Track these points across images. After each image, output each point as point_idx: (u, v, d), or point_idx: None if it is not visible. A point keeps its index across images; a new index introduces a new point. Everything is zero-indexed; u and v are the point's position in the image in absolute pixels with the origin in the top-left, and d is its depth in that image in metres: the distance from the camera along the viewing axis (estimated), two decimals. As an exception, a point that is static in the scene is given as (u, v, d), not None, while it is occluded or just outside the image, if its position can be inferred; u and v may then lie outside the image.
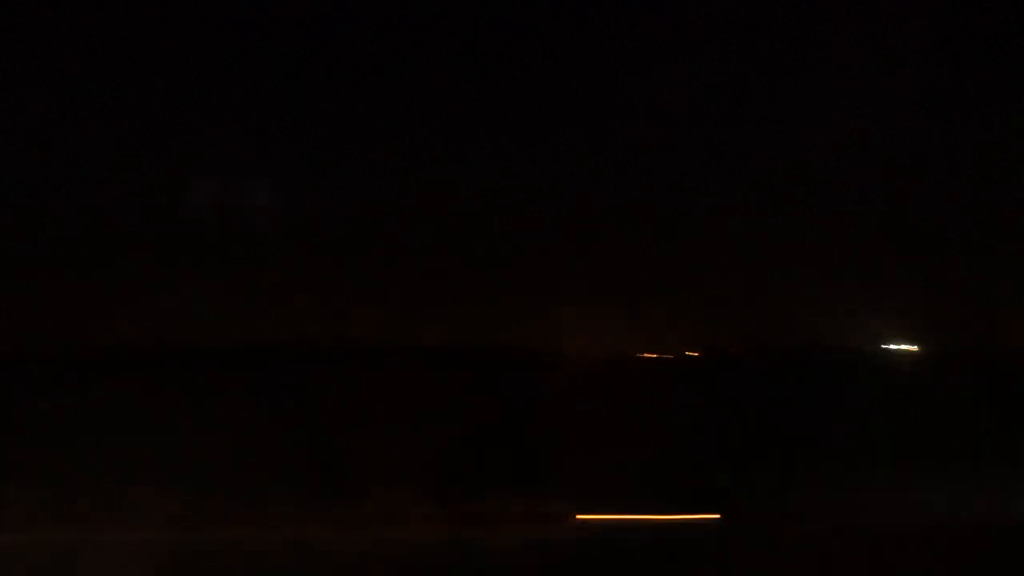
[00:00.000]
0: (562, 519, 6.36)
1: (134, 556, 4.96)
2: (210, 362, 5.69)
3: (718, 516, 6.82)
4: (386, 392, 6.57)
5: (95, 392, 5.57)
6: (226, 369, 5.64)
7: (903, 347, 7.75)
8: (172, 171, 4.53)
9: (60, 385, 5.58)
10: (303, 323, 5.14)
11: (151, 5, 4.23)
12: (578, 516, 6.49)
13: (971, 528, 6.59)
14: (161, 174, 4.53)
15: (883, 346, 7.61)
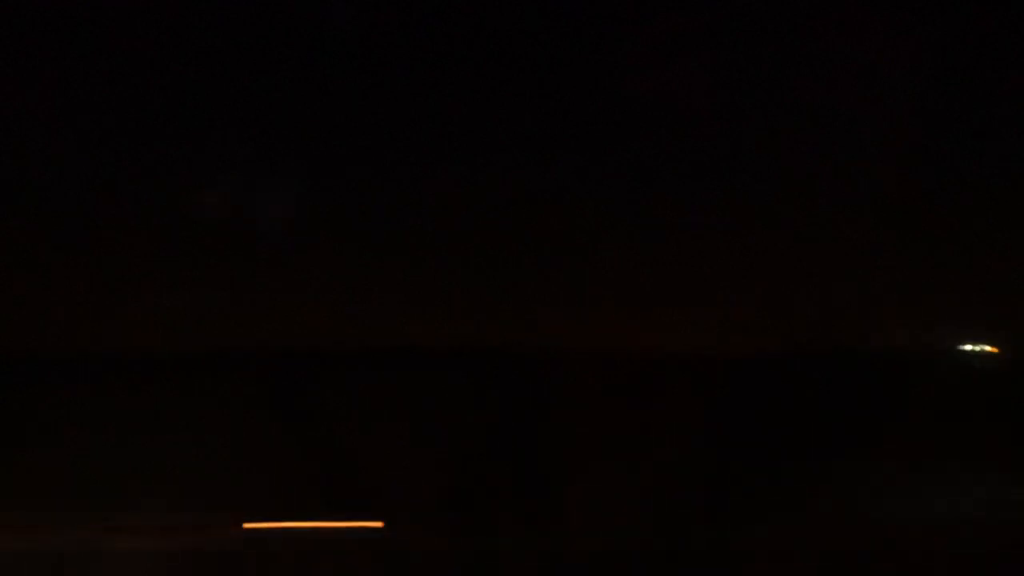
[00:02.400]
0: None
1: (138, 563, 4.97)
2: (221, 366, 5.65)
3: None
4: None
5: (102, 395, 5.60)
6: (236, 373, 5.60)
7: (983, 348, 7.09)
8: (180, 172, 4.47)
9: (66, 388, 5.62)
10: (313, 327, 5.03)
11: (160, 8, 4.14)
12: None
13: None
14: (168, 174, 4.48)
15: (960, 347, 6.99)
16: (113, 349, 5.77)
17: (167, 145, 5.23)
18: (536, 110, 4.98)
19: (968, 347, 7.43)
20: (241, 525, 6.15)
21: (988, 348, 7.31)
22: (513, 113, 5.26)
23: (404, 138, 5.27)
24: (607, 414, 6.26)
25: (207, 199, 5.31)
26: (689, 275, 5.48)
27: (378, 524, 5.97)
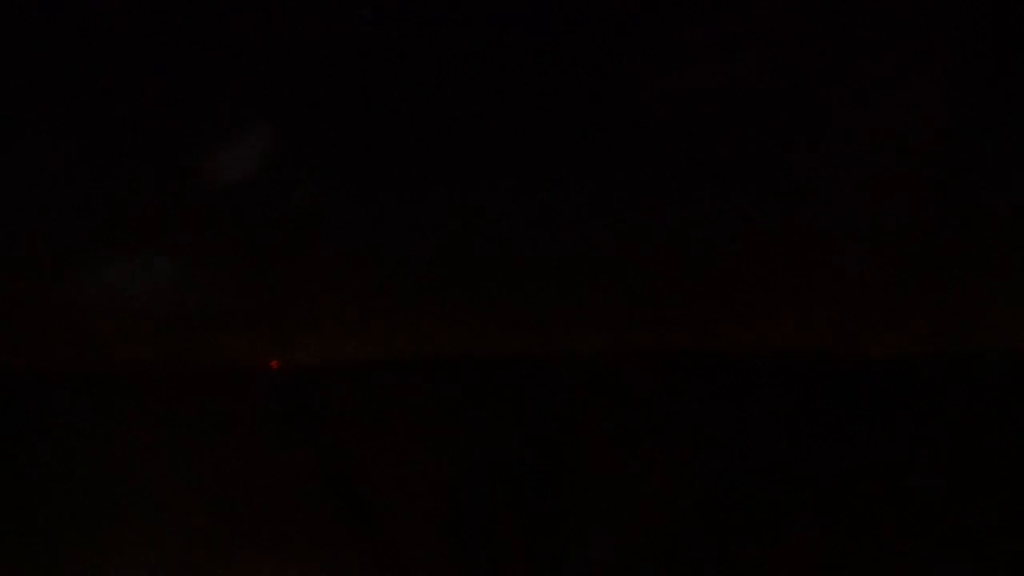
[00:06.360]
0: None
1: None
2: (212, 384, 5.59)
3: None
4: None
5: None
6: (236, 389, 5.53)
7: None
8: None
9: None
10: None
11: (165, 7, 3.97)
12: None
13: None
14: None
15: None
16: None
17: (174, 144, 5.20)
18: (546, 117, 5.00)
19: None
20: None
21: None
22: (520, 121, 5.29)
23: (414, 142, 5.29)
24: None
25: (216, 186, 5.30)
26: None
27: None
